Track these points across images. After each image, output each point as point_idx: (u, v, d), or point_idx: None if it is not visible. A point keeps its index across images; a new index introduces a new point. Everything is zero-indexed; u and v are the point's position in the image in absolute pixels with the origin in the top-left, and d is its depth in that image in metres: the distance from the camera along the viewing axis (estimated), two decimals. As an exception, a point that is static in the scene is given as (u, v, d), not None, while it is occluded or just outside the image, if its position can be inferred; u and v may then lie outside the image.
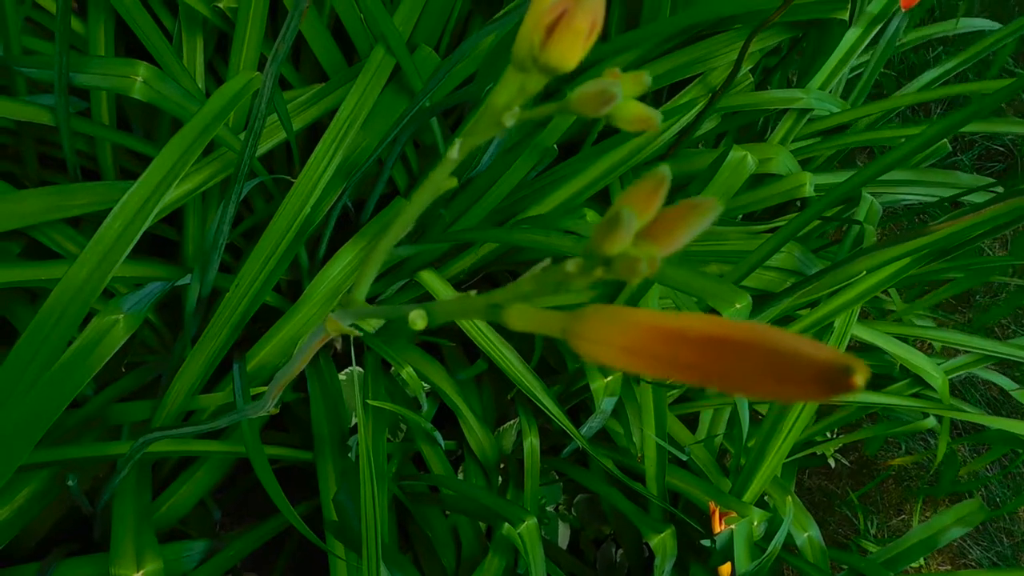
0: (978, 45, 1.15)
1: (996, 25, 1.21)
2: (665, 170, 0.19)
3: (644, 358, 0.19)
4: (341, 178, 0.82)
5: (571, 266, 0.21)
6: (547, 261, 0.22)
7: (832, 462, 1.31)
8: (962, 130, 1.34)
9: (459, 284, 0.95)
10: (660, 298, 0.89)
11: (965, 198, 1.10)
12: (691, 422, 0.99)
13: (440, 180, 0.25)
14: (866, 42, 1.07)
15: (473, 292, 0.23)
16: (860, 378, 0.15)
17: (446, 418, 0.90)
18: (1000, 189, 1.05)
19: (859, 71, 1.16)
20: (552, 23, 0.22)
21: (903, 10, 0.87)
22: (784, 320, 0.94)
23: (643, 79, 0.22)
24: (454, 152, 0.25)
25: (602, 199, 0.94)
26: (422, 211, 0.27)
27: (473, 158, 0.83)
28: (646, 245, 0.19)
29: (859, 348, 1.07)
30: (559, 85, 0.84)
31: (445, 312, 0.25)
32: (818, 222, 1.05)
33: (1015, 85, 0.71)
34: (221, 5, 0.81)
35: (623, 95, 0.22)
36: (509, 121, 0.23)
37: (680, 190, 0.95)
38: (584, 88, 0.22)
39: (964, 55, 1.16)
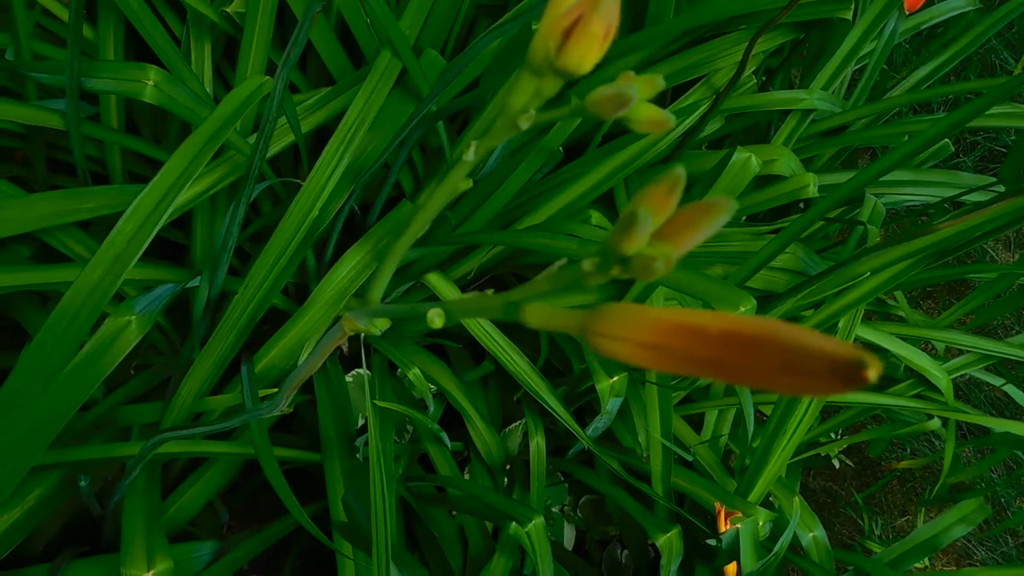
0: (970, 34, 1.15)
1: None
2: (680, 170, 0.19)
3: (661, 354, 0.19)
4: (348, 181, 0.83)
5: (587, 265, 0.21)
6: (563, 260, 0.22)
7: (836, 463, 1.32)
8: (966, 127, 1.34)
9: (465, 287, 0.96)
10: (666, 299, 0.89)
11: (967, 198, 1.10)
12: (696, 423, 1.00)
13: (457, 181, 0.26)
14: (869, 39, 1.07)
15: (490, 291, 0.24)
16: (873, 372, 0.15)
17: (452, 419, 0.91)
18: (1002, 188, 1.06)
19: (863, 63, 1.16)
20: (568, 28, 0.23)
21: (907, 13, 0.87)
22: (788, 321, 0.95)
23: (657, 82, 0.22)
24: (470, 154, 0.25)
25: (607, 201, 0.94)
26: (439, 211, 0.28)
27: (478, 161, 0.84)
28: (661, 245, 0.20)
29: (863, 349, 1.07)
30: (562, 88, 0.84)
31: (463, 310, 0.25)
32: (822, 223, 1.06)
33: (1015, 81, 0.71)
34: (229, 10, 0.82)
35: (638, 97, 0.22)
36: (525, 124, 0.24)
37: (684, 192, 0.95)
38: (600, 91, 0.22)
39: (956, 46, 1.15)
